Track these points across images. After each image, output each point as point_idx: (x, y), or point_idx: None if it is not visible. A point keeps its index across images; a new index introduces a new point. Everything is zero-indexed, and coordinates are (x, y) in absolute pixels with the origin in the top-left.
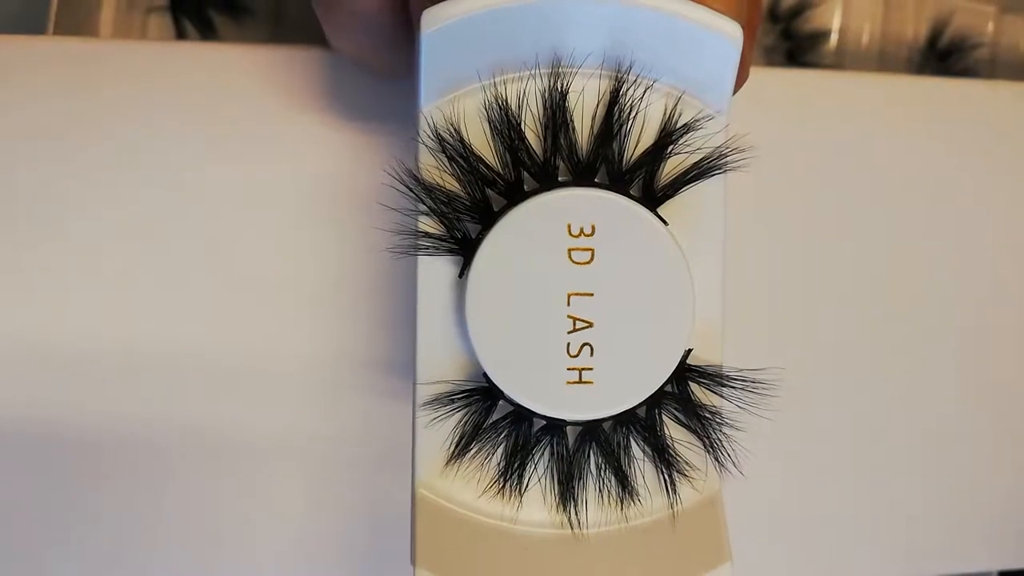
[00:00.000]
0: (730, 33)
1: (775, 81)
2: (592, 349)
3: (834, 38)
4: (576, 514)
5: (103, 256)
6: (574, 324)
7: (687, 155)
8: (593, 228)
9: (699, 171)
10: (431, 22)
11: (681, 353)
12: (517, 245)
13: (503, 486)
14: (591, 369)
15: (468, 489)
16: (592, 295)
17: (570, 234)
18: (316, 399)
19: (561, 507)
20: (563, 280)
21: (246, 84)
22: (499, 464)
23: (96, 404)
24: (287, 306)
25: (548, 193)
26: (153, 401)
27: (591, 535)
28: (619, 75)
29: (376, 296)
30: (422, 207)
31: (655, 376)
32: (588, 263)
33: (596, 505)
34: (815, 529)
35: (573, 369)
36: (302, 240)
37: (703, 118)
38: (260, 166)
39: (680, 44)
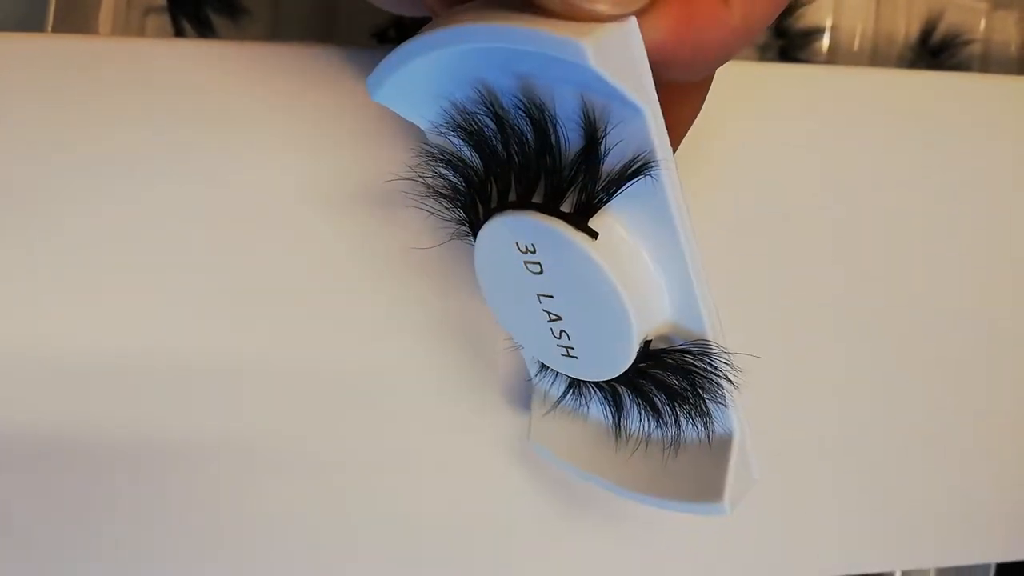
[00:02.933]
0: (571, 52)
1: (768, 76)
2: (568, 335)
3: (827, 36)
4: (623, 429)
5: (101, 254)
6: (549, 316)
7: (621, 154)
8: (534, 246)
9: (624, 174)
10: (372, 89)
11: (635, 347)
12: (492, 257)
13: (571, 397)
14: (573, 348)
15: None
16: (553, 296)
17: (519, 250)
18: (326, 399)
19: (613, 420)
20: (529, 284)
21: (245, 81)
22: (561, 386)
23: (101, 407)
24: (288, 303)
25: (495, 218)
26: (158, 402)
27: (636, 439)
28: (527, 97)
29: (380, 291)
30: (441, 202)
31: (620, 362)
32: (540, 273)
33: (639, 423)
34: (810, 519)
35: (561, 346)
36: (298, 236)
37: (615, 123)
38: (259, 162)
39: (556, 61)
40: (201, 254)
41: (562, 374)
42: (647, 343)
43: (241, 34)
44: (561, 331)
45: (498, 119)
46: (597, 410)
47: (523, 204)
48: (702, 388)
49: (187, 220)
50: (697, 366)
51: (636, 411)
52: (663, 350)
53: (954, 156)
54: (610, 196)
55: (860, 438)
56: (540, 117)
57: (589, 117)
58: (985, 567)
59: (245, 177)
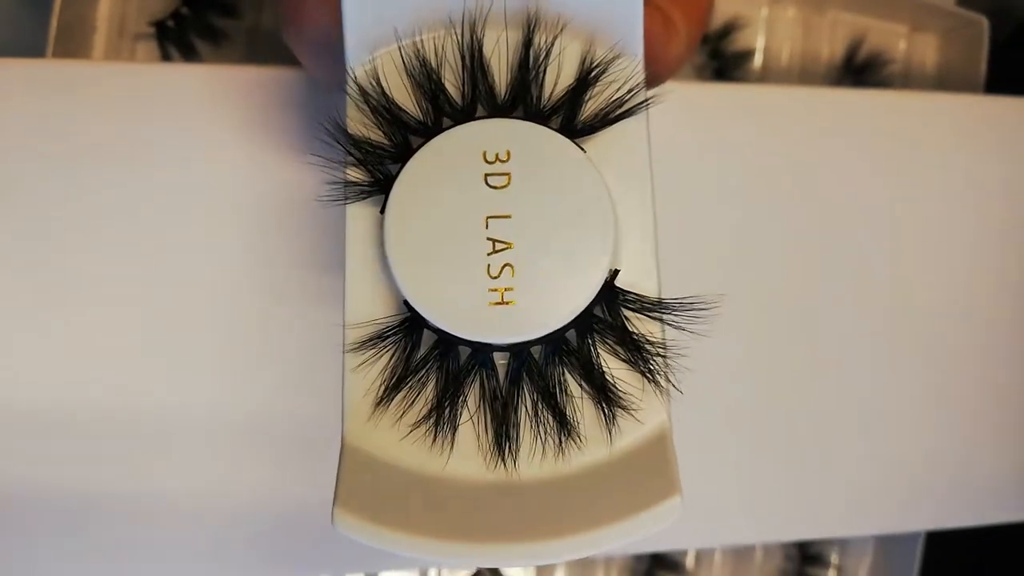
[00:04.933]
0: None
1: (705, 95)
2: (513, 270)
3: (758, 57)
4: (511, 457)
5: (88, 269)
6: (493, 246)
7: (606, 96)
8: (509, 154)
9: (619, 108)
10: None
11: (604, 271)
12: (433, 175)
13: (433, 425)
14: (512, 290)
15: (398, 435)
16: (510, 217)
17: (486, 161)
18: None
19: (495, 450)
20: (480, 204)
21: (226, 100)
22: (428, 402)
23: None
24: (274, 306)
25: (462, 126)
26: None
27: (529, 480)
28: (528, 24)
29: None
30: (349, 158)
31: (579, 295)
32: (505, 187)
33: (534, 447)
34: (746, 489)
35: (495, 290)
36: (267, 246)
37: (616, 56)
38: (237, 174)
39: None
40: (177, 259)
41: (439, 372)
42: (614, 273)
43: (221, 56)
44: (504, 265)
45: (478, 40)
46: (471, 452)
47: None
48: (649, 355)
49: (169, 230)
50: (648, 325)
51: (530, 404)
52: (627, 291)
53: (876, 164)
54: (596, 129)
55: (794, 413)
56: (539, 38)
57: (589, 49)
58: (915, 536)
59: (222, 187)
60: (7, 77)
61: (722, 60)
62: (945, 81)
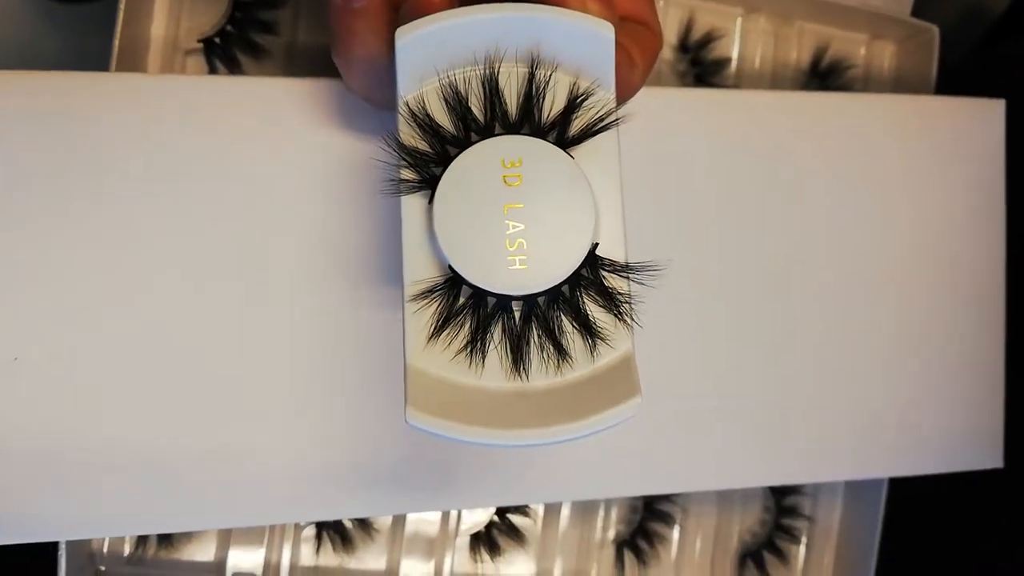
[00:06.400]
0: (602, 28)
1: (688, 98)
2: (525, 243)
3: (734, 64)
4: (524, 373)
5: (142, 254)
6: (511, 227)
7: (588, 116)
8: (520, 160)
9: (598, 126)
10: (402, 35)
11: (588, 244)
12: (467, 176)
13: (470, 352)
14: (525, 256)
15: (445, 359)
16: (522, 206)
17: (503, 166)
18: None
19: (513, 368)
20: (500, 197)
21: (267, 109)
22: (466, 336)
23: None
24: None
25: (487, 140)
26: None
27: (537, 388)
28: (532, 63)
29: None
30: (403, 162)
31: (570, 261)
32: (518, 185)
33: (540, 366)
34: (712, 438)
35: (512, 258)
36: (308, 227)
37: (595, 88)
38: (278, 171)
39: (570, 39)
40: (212, 249)
41: (472, 313)
42: (595, 245)
43: (262, 70)
44: (518, 240)
45: (495, 77)
46: (496, 373)
47: (512, 133)
48: (619, 302)
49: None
50: (618, 284)
51: (537, 337)
52: (604, 258)
53: (838, 155)
54: (581, 140)
55: (767, 371)
56: (539, 76)
57: (575, 84)
58: (879, 484)
59: (263, 184)
60: (76, 88)
61: (702, 67)
62: (901, 83)
